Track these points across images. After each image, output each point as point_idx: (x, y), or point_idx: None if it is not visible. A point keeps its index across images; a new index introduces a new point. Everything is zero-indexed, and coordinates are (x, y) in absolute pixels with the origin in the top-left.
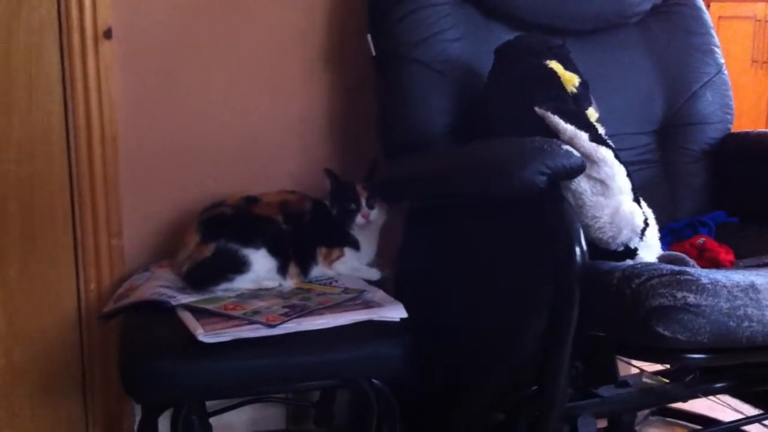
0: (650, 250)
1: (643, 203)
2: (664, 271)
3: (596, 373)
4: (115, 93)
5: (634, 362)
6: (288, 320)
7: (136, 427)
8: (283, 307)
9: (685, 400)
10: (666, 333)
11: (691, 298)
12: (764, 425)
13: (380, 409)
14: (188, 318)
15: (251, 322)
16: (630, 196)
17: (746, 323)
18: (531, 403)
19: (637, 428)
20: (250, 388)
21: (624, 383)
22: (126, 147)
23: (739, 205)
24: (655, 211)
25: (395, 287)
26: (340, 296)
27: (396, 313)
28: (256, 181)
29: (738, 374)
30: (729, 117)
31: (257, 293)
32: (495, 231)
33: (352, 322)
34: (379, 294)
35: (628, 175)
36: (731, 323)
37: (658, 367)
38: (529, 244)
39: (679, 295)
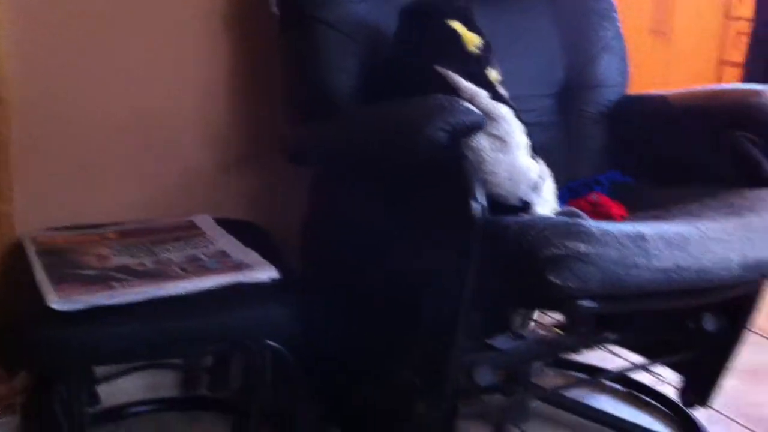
0: (547, 205)
1: (539, 160)
2: (558, 223)
3: (493, 324)
4: (5, 51)
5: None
6: (148, 284)
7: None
8: (144, 265)
9: (579, 351)
10: (558, 281)
11: (582, 248)
12: (651, 372)
13: (277, 372)
14: (44, 281)
15: (109, 287)
16: (527, 152)
17: (634, 271)
18: (431, 356)
19: (532, 379)
20: (121, 355)
21: (521, 336)
22: (19, 110)
23: (634, 165)
24: (554, 172)
25: (302, 252)
26: (210, 260)
27: (266, 274)
28: (153, 150)
29: (628, 325)
30: (625, 80)
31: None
32: (400, 191)
33: (219, 284)
34: (251, 256)
35: (527, 133)
36: (620, 271)
37: (555, 320)
38: (432, 202)
39: (571, 244)
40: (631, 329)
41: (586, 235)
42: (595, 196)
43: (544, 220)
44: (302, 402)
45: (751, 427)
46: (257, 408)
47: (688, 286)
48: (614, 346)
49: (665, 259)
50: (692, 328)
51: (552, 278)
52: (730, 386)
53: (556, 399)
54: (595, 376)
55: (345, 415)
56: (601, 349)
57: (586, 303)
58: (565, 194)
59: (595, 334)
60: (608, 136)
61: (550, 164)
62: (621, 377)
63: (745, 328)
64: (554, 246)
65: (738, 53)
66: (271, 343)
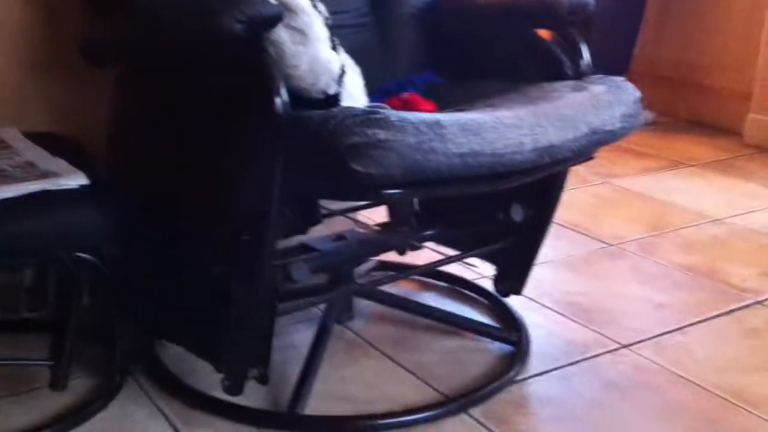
0: (353, 100)
1: (341, 51)
2: (357, 112)
3: (304, 218)
4: None
5: (357, 217)
6: None
7: None
8: None
9: (401, 250)
10: (360, 169)
11: (381, 135)
12: (468, 266)
13: (93, 286)
14: None
15: None
16: (327, 43)
17: (432, 156)
18: (245, 253)
19: (360, 280)
20: None
21: (341, 237)
22: None
23: (446, 66)
24: (369, 73)
25: (108, 159)
26: (15, 170)
27: (75, 180)
28: None
29: (444, 221)
30: None
31: None
32: (202, 88)
33: (24, 192)
34: (59, 164)
35: (328, 24)
36: (418, 156)
37: (379, 220)
38: (234, 98)
39: (370, 132)
40: (447, 225)
41: (384, 123)
42: (406, 95)
43: (345, 110)
44: (120, 316)
45: (561, 312)
46: (74, 324)
47: (485, 170)
48: (434, 244)
49: (461, 144)
50: (501, 219)
51: (354, 166)
52: (544, 277)
53: (379, 296)
54: (412, 272)
55: (164, 323)
56: (424, 248)
57: (391, 191)
58: (378, 95)
59: (415, 231)
60: (421, 37)
61: (365, 67)
62: (443, 275)
63: (551, 217)
64: (354, 134)
65: None
66: (84, 255)
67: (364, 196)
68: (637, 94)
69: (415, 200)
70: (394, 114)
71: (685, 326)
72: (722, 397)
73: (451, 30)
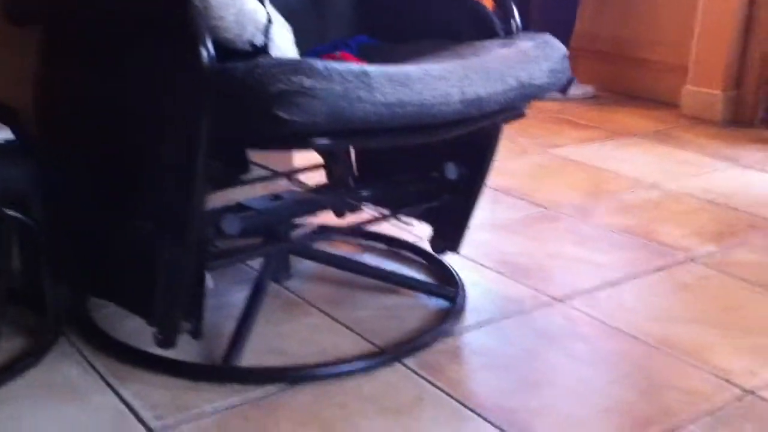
0: (283, 55)
1: (268, 4)
2: (283, 61)
3: (232, 168)
4: None
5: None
6: None
7: None
8: None
9: (340, 212)
10: (286, 116)
11: (307, 82)
12: (400, 221)
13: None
14: None
15: None
16: None
17: (358, 104)
18: (173, 206)
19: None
20: None
21: (278, 197)
22: None
23: (381, 27)
24: (303, 37)
25: (35, 113)
26: None
27: None
28: None
29: (382, 182)
30: None
31: None
32: (127, 43)
33: None
34: None
35: None
36: (344, 104)
37: (318, 181)
38: (159, 50)
39: (296, 79)
40: (382, 184)
41: (310, 71)
42: (338, 53)
43: (271, 59)
44: (51, 274)
45: (498, 270)
46: (2, 285)
47: (412, 121)
48: (375, 209)
49: (388, 94)
50: (436, 177)
51: (279, 113)
52: (483, 239)
53: (317, 255)
54: (347, 230)
55: (95, 281)
56: (364, 213)
57: (319, 140)
58: (310, 56)
59: (351, 191)
60: (356, 1)
61: (300, 30)
62: (382, 237)
63: (485, 176)
64: (280, 81)
65: None
66: (12, 212)
67: (291, 145)
68: (564, 50)
69: (353, 162)
70: (320, 63)
71: (618, 282)
72: (651, 345)
73: None
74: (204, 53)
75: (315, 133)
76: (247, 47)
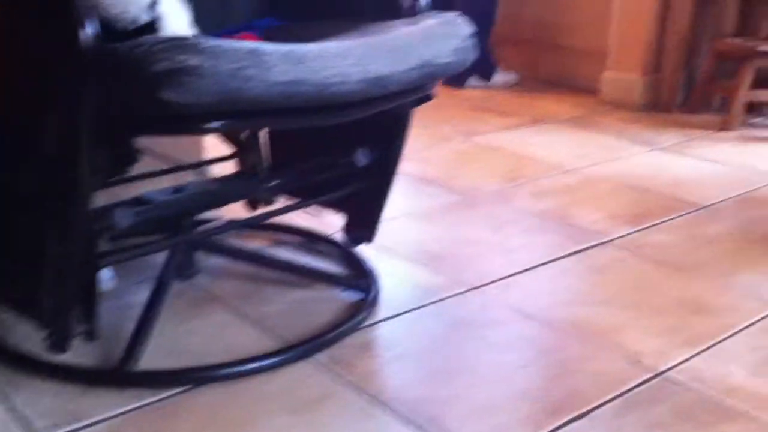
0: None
1: None
2: (167, 39)
3: (118, 158)
4: None
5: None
6: None
7: None
8: None
9: (253, 205)
10: (171, 98)
11: (193, 60)
12: (310, 212)
13: None
14: None
15: None
16: None
17: (250, 84)
18: (58, 200)
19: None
20: None
21: (180, 189)
22: None
23: (289, 9)
24: (207, 18)
25: None
26: None
27: None
28: None
29: (292, 173)
30: None
31: None
32: (11, 26)
33: None
34: None
35: None
36: (234, 84)
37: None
38: (41, 30)
39: (180, 58)
40: (291, 172)
41: (195, 48)
42: (240, 35)
43: (153, 38)
44: None
45: (413, 259)
46: None
47: (310, 101)
48: (282, 195)
49: (283, 72)
50: (346, 164)
51: (165, 95)
52: (399, 228)
53: (224, 248)
54: (254, 220)
55: None
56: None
57: (211, 123)
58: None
59: (260, 181)
60: None
61: (204, 11)
62: (294, 230)
63: (397, 162)
64: (164, 60)
65: None
66: None
67: (183, 130)
68: (470, 29)
69: (265, 153)
70: (206, 40)
71: (533, 267)
72: (564, 329)
73: None
74: (85, 31)
75: (206, 115)
76: (132, 26)
